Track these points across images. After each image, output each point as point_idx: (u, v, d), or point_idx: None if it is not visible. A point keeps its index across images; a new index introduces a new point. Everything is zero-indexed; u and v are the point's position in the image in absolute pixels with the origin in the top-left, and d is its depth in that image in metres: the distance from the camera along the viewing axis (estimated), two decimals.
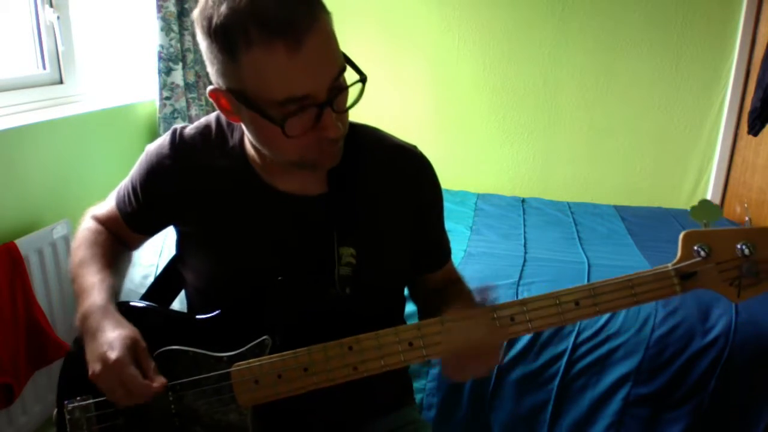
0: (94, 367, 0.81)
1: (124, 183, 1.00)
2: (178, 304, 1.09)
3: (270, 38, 0.71)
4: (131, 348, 0.81)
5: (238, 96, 0.77)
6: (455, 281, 1.06)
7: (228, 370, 0.84)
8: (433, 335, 0.81)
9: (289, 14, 0.71)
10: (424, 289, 1.06)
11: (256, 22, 0.71)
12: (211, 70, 0.78)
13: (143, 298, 1.04)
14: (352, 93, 0.81)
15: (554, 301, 0.78)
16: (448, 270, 1.06)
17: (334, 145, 0.81)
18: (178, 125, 0.95)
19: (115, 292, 0.91)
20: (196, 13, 0.76)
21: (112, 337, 0.81)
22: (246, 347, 0.85)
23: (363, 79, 0.80)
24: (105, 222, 1.03)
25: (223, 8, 0.72)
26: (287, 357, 0.82)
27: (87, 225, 1.03)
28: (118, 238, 1.03)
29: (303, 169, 0.85)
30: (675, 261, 0.76)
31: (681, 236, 0.75)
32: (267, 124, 0.76)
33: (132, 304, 0.94)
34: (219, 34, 0.73)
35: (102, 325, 0.84)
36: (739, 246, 0.73)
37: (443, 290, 1.04)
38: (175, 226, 0.97)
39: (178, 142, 0.93)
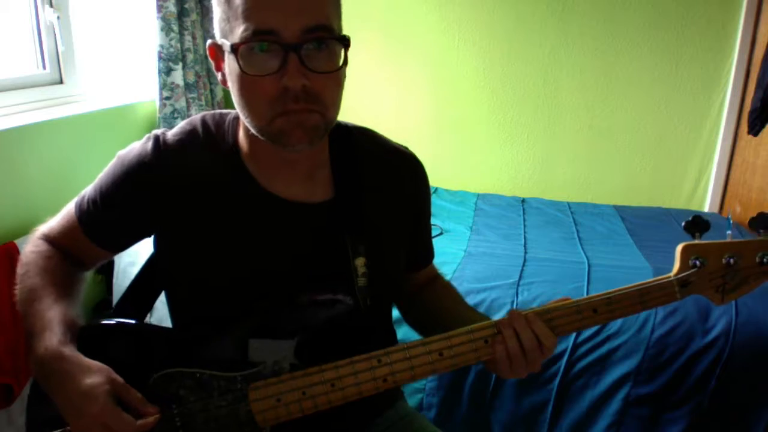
0: (76, 423, 0.74)
1: (89, 194, 0.90)
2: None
3: None
4: (109, 392, 0.74)
5: (223, 43, 0.78)
6: (436, 276, 1.08)
7: (246, 390, 0.80)
8: (461, 345, 0.82)
9: None
10: (407, 288, 1.06)
11: None
12: (214, 24, 0.80)
13: (116, 309, 0.98)
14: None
15: (575, 309, 0.84)
16: (432, 267, 1.09)
17: (301, 111, 0.76)
18: (158, 131, 0.89)
19: (73, 325, 0.82)
20: None
21: (85, 386, 0.73)
22: (262, 365, 0.81)
23: (344, 41, 0.78)
24: (58, 240, 0.92)
25: None
26: (313, 373, 0.80)
27: (33, 247, 0.90)
28: (73, 256, 0.92)
29: (276, 143, 0.79)
30: (675, 271, 0.84)
31: (678, 249, 0.84)
32: (239, 72, 0.76)
33: (124, 322, 0.88)
34: None
35: (67, 373, 0.75)
36: (725, 258, 0.83)
37: (426, 290, 1.04)
38: (159, 239, 0.90)
39: (162, 149, 0.85)
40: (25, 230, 1.73)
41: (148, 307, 1.01)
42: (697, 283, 0.84)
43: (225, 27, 0.78)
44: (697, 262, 0.83)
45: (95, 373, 0.75)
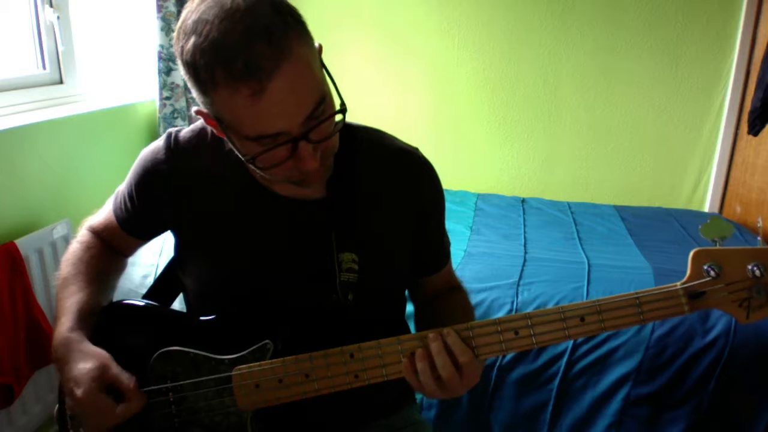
0: (68, 401, 0.82)
1: (121, 188, 0.99)
2: (178, 306, 1.09)
3: (234, 82, 0.69)
4: (98, 378, 0.80)
5: (218, 122, 0.77)
6: (454, 289, 1.05)
7: (229, 373, 0.84)
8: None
9: (253, 56, 0.67)
10: (422, 293, 1.05)
11: (219, 63, 0.69)
12: (193, 93, 0.78)
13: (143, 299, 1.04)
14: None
15: (560, 316, 0.77)
16: (447, 274, 1.06)
17: (318, 170, 0.80)
18: (173, 129, 0.94)
19: (91, 312, 0.90)
20: (174, 36, 0.75)
21: (77, 371, 0.81)
22: (247, 351, 0.85)
23: (342, 110, 0.77)
24: (101, 230, 1.02)
25: (190, 44, 0.70)
26: (288, 362, 0.82)
27: (80, 238, 1.01)
28: (113, 246, 1.02)
29: (293, 184, 0.84)
30: (684, 280, 0.73)
31: (691, 254, 0.73)
32: (252, 164, 0.77)
33: (133, 302, 0.94)
34: (189, 67, 0.72)
35: (67, 356, 0.83)
36: (750, 267, 0.71)
37: (441, 298, 1.03)
38: (172, 231, 0.97)
39: (173, 146, 0.91)
40: (25, 230, 1.74)
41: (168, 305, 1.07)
42: (712, 295, 0.72)
43: (213, 109, 0.76)
44: (712, 271, 0.71)
45: (90, 360, 0.81)
